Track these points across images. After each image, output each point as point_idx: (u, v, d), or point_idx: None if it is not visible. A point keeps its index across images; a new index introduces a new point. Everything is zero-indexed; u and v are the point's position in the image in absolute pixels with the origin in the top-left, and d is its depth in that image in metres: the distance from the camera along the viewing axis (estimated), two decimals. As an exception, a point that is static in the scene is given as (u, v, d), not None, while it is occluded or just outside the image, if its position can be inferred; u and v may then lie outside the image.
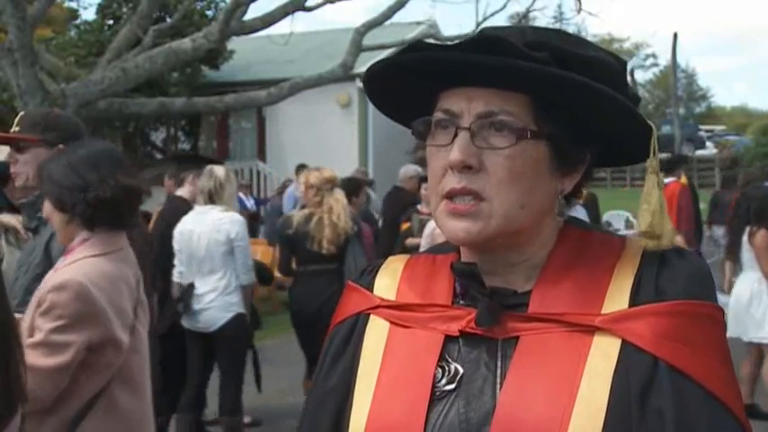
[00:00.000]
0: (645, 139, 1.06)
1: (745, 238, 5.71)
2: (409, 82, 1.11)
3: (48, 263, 2.64)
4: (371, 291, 1.19)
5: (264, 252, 11.49)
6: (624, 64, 1.11)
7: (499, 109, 1.04)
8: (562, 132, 1.06)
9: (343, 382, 1.14)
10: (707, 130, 36.71)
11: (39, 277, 2.62)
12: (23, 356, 1.46)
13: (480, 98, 1.05)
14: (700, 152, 31.64)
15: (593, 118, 1.06)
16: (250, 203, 12.94)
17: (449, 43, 1.07)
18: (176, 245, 5.06)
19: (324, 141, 15.14)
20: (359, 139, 15.54)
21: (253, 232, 12.65)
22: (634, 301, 1.02)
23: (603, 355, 0.99)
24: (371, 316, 1.16)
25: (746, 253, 5.73)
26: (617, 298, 1.03)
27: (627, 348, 0.99)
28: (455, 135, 1.05)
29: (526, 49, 1.01)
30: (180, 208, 5.25)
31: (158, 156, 17.78)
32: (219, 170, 5.05)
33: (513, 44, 1.01)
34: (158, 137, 18.08)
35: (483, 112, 1.04)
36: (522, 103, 1.04)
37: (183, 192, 5.47)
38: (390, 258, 1.25)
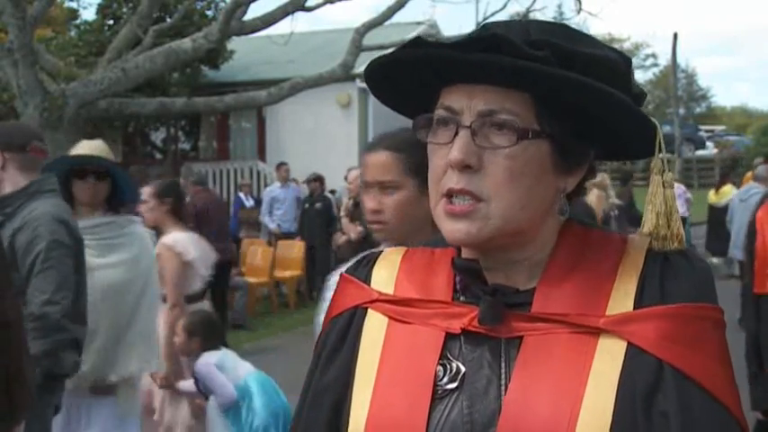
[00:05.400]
0: (649, 136, 1.05)
1: None
2: (411, 77, 1.09)
3: (12, 256, 2.72)
4: (368, 283, 1.16)
5: (264, 252, 11.47)
6: (629, 61, 1.08)
7: (500, 107, 1.01)
8: (564, 130, 1.04)
9: (341, 378, 1.12)
10: (707, 130, 36.54)
11: None
12: (29, 361, 1.45)
13: (481, 96, 1.02)
14: (700, 152, 31.58)
15: (596, 117, 1.04)
16: (250, 203, 12.93)
17: (450, 41, 1.05)
18: None
19: (324, 141, 15.13)
20: (359, 139, 15.49)
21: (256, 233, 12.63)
22: (639, 303, 1.01)
23: (609, 357, 0.99)
24: (369, 310, 1.13)
25: None
26: (621, 299, 1.02)
27: (632, 351, 0.98)
28: (456, 133, 1.02)
29: (527, 48, 0.99)
30: None
31: (158, 156, 17.78)
32: None
33: (514, 42, 0.99)
34: (158, 137, 18.06)
35: (484, 110, 1.02)
36: (524, 102, 1.02)
37: None
38: (388, 249, 1.22)
